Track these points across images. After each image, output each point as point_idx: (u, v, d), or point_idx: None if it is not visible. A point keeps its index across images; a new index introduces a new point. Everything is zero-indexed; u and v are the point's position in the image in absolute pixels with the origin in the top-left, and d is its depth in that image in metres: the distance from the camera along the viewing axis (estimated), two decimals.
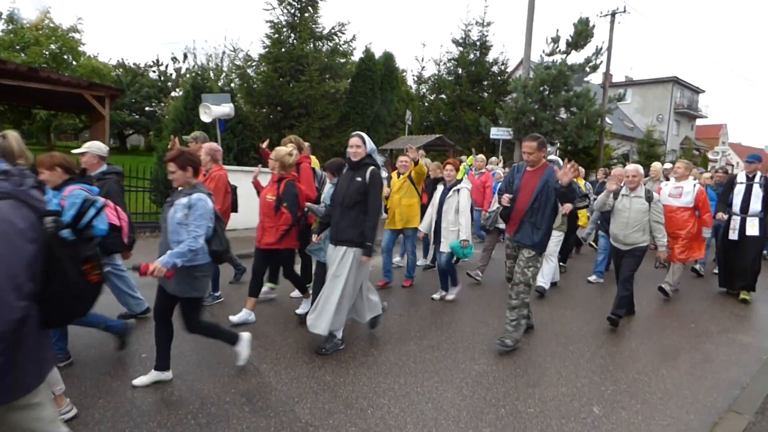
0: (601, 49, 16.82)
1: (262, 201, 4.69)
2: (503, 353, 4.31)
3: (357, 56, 16.43)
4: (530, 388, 3.69)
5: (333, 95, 15.31)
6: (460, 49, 20.43)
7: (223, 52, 29.43)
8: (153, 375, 3.45)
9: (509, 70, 21.36)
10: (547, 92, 16.69)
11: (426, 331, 4.83)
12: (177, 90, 30.72)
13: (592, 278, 7.36)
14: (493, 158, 12.27)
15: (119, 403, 3.16)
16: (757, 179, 6.51)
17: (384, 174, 7.59)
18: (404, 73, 23.08)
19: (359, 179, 3.96)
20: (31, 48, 26.44)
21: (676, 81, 39.29)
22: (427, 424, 3.09)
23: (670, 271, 6.57)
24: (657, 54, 78.54)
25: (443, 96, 21.05)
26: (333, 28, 15.24)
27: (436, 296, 5.94)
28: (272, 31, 14.41)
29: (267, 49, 14.43)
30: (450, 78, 20.80)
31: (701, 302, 6.56)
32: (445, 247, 5.57)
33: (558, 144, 17.10)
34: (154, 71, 32.86)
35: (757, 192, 6.44)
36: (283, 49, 14.23)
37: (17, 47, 26.61)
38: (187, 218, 3.15)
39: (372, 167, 4.01)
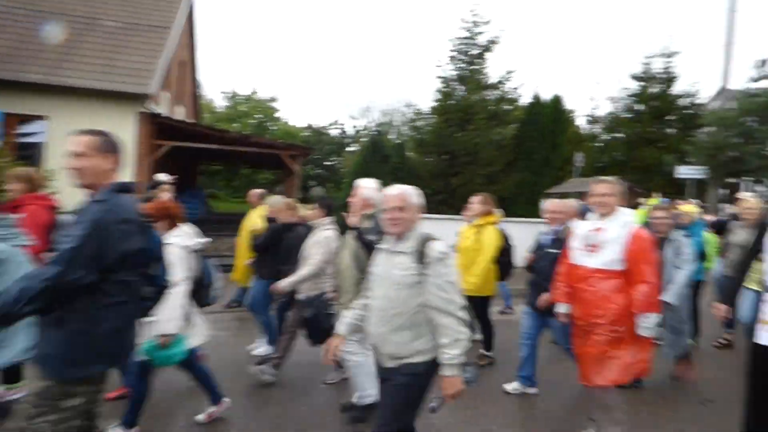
0: None
1: None
2: None
3: (525, 101, 16.42)
4: None
5: (499, 142, 15.41)
6: (641, 84, 18.87)
7: (395, 109, 32.03)
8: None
9: (700, 102, 18.93)
10: (755, 124, 14.32)
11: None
12: (353, 145, 34.18)
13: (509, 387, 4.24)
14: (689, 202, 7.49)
15: None
16: None
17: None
18: (573, 114, 22.16)
19: None
20: (243, 119, 32.65)
21: None
22: None
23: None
24: None
25: (620, 134, 19.50)
26: (501, 77, 15.58)
27: None
28: (443, 85, 15.30)
29: (438, 102, 15.31)
30: (628, 115, 19.24)
31: None
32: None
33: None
34: (334, 128, 37.19)
35: None
36: (451, 101, 14.94)
37: (232, 119, 33.11)
38: None
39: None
